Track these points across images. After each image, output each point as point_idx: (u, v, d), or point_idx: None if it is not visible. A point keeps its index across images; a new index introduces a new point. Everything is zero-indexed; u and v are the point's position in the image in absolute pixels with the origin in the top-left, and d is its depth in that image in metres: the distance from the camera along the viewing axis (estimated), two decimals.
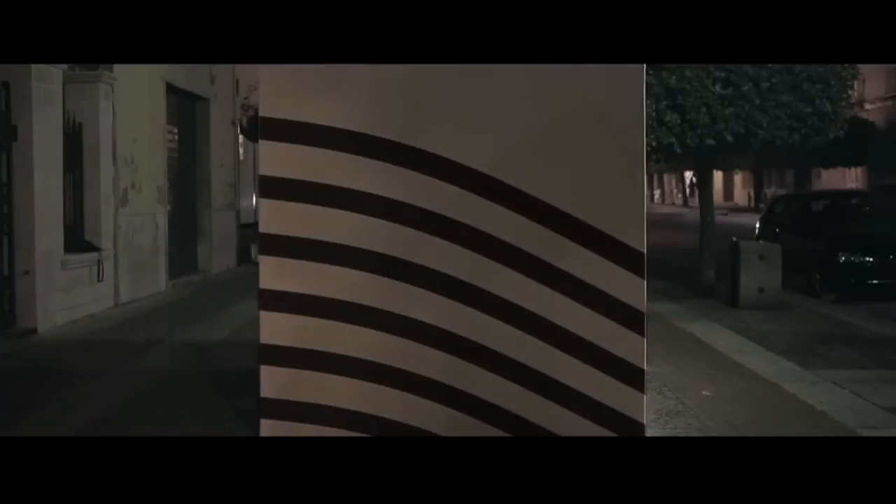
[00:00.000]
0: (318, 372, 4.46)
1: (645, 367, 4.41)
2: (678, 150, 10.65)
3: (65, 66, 9.41)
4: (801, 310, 10.29)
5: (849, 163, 29.67)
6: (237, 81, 16.07)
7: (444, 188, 4.39)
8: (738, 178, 48.32)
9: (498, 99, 4.38)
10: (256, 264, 4.59)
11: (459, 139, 4.38)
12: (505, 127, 4.38)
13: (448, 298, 4.41)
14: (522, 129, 4.38)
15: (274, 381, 4.45)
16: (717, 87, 10.14)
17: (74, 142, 9.92)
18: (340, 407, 4.45)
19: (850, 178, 33.31)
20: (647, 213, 4.49)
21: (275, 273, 4.44)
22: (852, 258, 11.20)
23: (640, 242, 4.37)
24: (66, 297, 9.29)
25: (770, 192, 36.42)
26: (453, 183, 4.39)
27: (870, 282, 11.14)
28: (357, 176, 4.41)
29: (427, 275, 4.41)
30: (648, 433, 4.58)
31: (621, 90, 4.36)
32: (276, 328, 4.44)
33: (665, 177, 61.05)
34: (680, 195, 56.99)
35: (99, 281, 10.11)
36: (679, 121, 10.22)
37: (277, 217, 4.44)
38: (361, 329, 4.44)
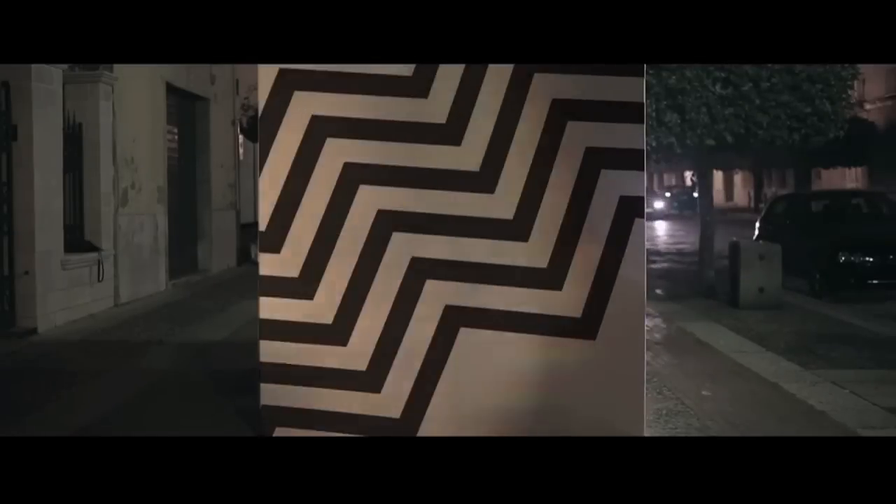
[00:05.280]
0: (319, 370, 4.47)
1: (644, 368, 4.41)
2: (678, 150, 10.65)
3: (65, 66, 9.41)
4: (801, 310, 10.29)
5: (849, 163, 29.66)
6: (237, 81, 16.08)
7: (442, 192, 4.39)
8: (738, 178, 48.31)
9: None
10: (256, 264, 4.60)
11: (460, 138, 4.39)
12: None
13: (448, 296, 4.41)
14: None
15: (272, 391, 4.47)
16: (717, 87, 10.14)
17: (74, 142, 9.92)
18: (339, 411, 4.46)
19: (850, 178, 33.30)
20: (646, 213, 4.50)
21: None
22: (852, 258, 11.20)
23: (641, 241, 4.38)
24: (66, 297, 9.29)
25: (770, 192, 36.44)
26: (451, 188, 4.39)
27: (870, 282, 11.14)
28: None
29: (427, 274, 4.41)
30: (648, 433, 4.58)
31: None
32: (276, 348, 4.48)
33: (665, 177, 61.03)
34: None
35: (99, 281, 10.11)
36: (679, 121, 10.22)
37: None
38: (362, 328, 4.45)
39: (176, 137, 13.46)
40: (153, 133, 11.99)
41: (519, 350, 4.40)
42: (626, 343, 4.37)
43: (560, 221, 4.37)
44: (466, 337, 4.41)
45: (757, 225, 14.58)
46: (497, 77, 4.37)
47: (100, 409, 5.80)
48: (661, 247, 21.36)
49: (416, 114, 4.39)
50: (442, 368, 4.42)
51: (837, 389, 6.27)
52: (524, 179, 4.36)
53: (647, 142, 4.47)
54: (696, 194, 38.77)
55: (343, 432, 4.43)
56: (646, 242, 4.42)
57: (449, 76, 4.38)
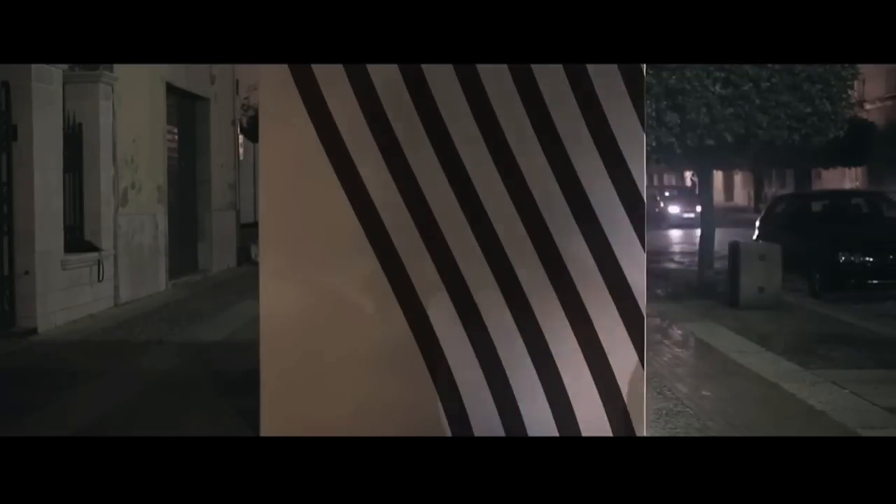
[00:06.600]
0: (320, 370, 4.46)
1: (644, 367, 4.41)
2: (678, 151, 10.65)
3: (65, 66, 9.41)
4: (801, 310, 10.30)
5: (849, 163, 29.62)
6: (237, 81, 16.08)
7: (445, 187, 4.39)
8: (738, 178, 48.29)
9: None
10: (256, 264, 4.60)
11: (460, 139, 4.38)
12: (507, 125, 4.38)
13: (448, 297, 4.41)
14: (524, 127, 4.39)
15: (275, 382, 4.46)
16: (717, 87, 10.14)
17: (74, 142, 9.92)
18: (341, 404, 4.46)
19: (850, 178, 33.29)
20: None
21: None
22: (852, 258, 11.20)
23: (641, 241, 4.38)
24: (66, 297, 9.29)
25: (770, 192, 36.35)
26: (456, 181, 4.39)
27: (870, 282, 11.15)
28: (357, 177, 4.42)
29: (428, 274, 4.41)
30: (648, 433, 4.58)
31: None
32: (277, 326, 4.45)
33: (665, 177, 61.02)
34: None
35: (99, 281, 10.11)
36: (679, 121, 10.22)
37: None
38: (362, 328, 4.44)
39: (176, 137, 13.45)
40: (153, 133, 11.98)
41: (519, 350, 4.40)
42: (626, 343, 4.37)
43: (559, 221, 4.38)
44: (465, 337, 4.41)
45: (757, 225, 14.58)
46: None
47: (100, 409, 5.81)
48: (661, 247, 21.37)
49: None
50: (444, 367, 4.42)
51: (837, 389, 6.27)
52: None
53: (647, 142, 4.46)
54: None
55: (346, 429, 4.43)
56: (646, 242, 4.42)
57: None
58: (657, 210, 31.82)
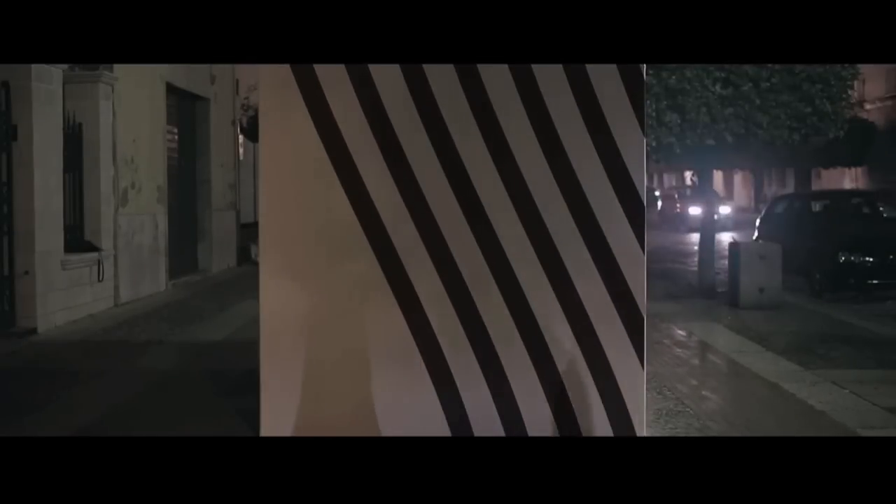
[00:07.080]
0: (320, 370, 4.46)
1: (644, 368, 4.41)
2: (678, 151, 10.65)
3: (65, 66, 9.41)
4: (801, 310, 10.30)
5: (849, 163, 29.64)
6: (237, 81, 16.07)
7: (445, 187, 4.39)
8: (738, 178, 48.29)
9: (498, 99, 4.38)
10: (256, 264, 4.59)
11: (461, 139, 4.38)
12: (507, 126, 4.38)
13: (448, 298, 4.41)
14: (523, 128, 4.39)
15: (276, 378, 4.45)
16: (717, 87, 10.14)
17: (74, 142, 9.92)
18: (340, 404, 4.45)
19: (850, 178, 33.30)
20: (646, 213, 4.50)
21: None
22: (852, 258, 11.20)
23: (641, 242, 4.38)
24: (66, 297, 9.29)
25: (771, 192, 36.25)
26: (456, 182, 4.39)
27: (870, 282, 11.15)
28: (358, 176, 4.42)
29: (428, 274, 4.41)
30: (648, 433, 4.58)
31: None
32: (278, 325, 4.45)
33: (665, 177, 61.02)
34: None
35: (99, 281, 10.11)
36: (679, 121, 10.22)
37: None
38: (362, 328, 4.44)
39: (176, 137, 13.46)
40: (153, 133, 11.98)
41: (519, 350, 4.40)
42: (625, 344, 4.37)
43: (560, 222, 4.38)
44: (465, 337, 4.41)
45: (757, 225, 14.58)
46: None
47: (100, 409, 5.81)
48: (662, 247, 21.34)
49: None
50: (443, 367, 4.42)
51: (837, 389, 6.27)
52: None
53: (647, 142, 4.47)
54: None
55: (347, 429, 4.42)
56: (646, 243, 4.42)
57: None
58: (676, 211, 30.27)
